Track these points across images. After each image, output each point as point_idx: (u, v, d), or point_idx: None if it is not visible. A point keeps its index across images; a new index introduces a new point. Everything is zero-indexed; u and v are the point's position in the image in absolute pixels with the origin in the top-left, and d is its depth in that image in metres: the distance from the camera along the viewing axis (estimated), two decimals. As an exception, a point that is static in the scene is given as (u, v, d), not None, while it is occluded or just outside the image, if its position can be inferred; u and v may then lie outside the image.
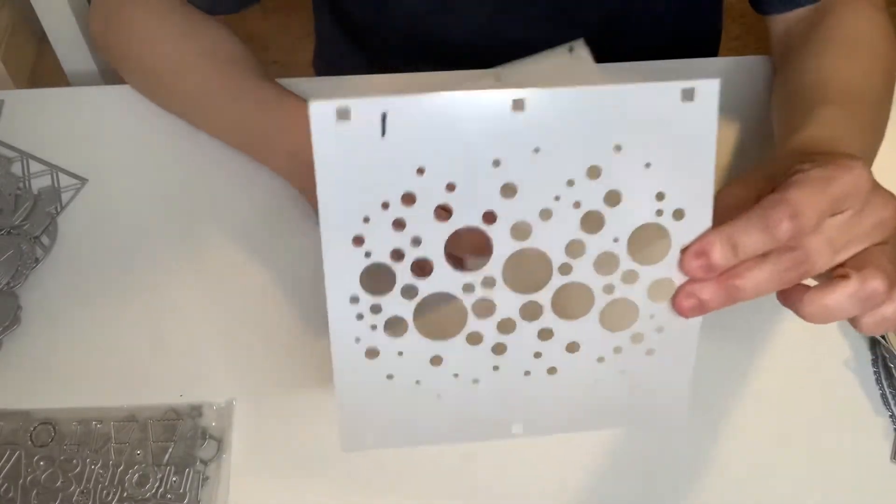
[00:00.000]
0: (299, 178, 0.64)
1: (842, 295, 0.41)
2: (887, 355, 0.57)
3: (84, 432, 0.57)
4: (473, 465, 0.56)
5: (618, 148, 0.39)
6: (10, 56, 1.74)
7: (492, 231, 0.40)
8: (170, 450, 0.56)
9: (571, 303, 0.42)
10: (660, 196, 0.40)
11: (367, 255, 0.40)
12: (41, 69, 1.80)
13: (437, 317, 0.43)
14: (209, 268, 0.65)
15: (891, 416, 0.56)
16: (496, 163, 0.38)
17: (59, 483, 0.55)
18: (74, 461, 0.56)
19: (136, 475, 0.55)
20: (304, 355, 0.60)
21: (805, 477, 0.55)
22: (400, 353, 0.43)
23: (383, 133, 0.37)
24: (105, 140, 0.72)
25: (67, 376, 0.60)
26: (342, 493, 0.55)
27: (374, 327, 0.42)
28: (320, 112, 0.36)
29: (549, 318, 0.42)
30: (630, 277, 0.42)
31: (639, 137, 0.39)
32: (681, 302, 0.41)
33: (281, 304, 0.62)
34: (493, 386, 0.44)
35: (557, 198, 0.39)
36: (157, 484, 0.55)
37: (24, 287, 0.64)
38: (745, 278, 0.41)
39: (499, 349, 0.43)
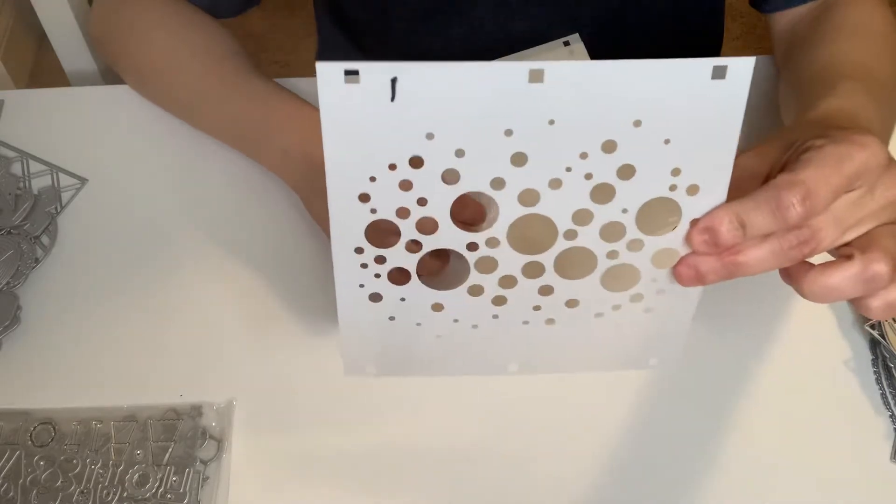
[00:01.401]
0: (292, 175, 0.64)
1: (844, 276, 0.41)
2: (887, 355, 0.57)
3: (84, 432, 0.57)
4: (473, 465, 0.56)
5: (637, 123, 0.38)
6: (10, 56, 1.74)
7: (499, 196, 0.40)
8: (170, 450, 0.56)
9: (575, 266, 0.43)
10: (675, 171, 0.39)
11: (373, 211, 0.40)
12: (41, 69, 1.80)
13: (441, 276, 0.44)
14: (209, 268, 0.64)
15: (891, 416, 0.56)
16: (508, 132, 0.38)
17: (59, 483, 0.55)
18: (74, 461, 0.56)
19: (136, 475, 0.55)
20: (304, 355, 0.60)
21: (805, 477, 0.55)
22: (402, 299, 0.43)
23: (393, 97, 0.36)
24: (105, 140, 0.72)
25: (67, 376, 0.60)
26: (342, 493, 0.55)
27: (377, 276, 0.42)
28: (328, 72, 0.36)
29: (550, 277, 0.43)
30: (635, 245, 0.41)
31: (661, 113, 0.38)
32: (681, 270, 0.41)
33: (281, 305, 0.62)
34: (491, 331, 0.45)
35: (569, 169, 0.39)
36: (157, 484, 0.55)
37: (24, 287, 0.64)
38: (748, 255, 0.40)
39: (499, 301, 0.44)
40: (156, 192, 0.69)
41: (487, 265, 0.42)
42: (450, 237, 0.41)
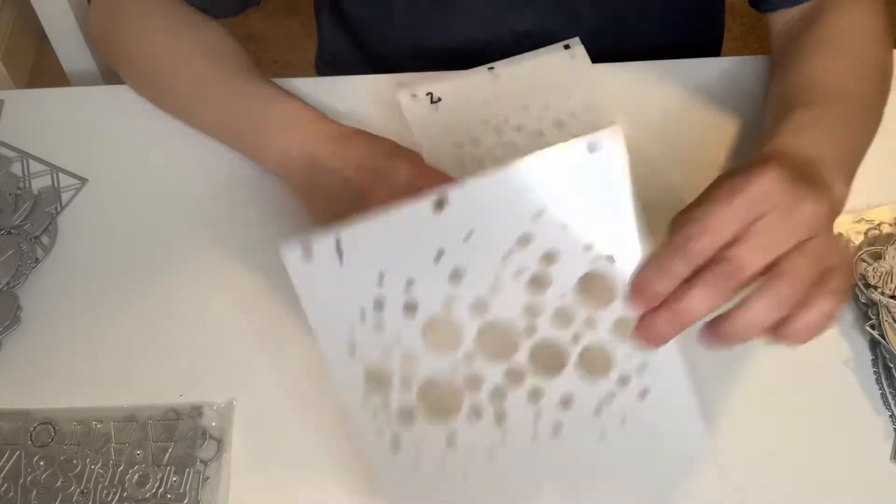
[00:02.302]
0: (292, 174, 0.64)
1: (756, 307, 0.42)
2: (887, 355, 0.57)
3: (84, 432, 0.57)
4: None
5: (539, 213, 0.42)
6: (10, 56, 1.74)
7: (453, 313, 0.44)
8: (170, 450, 0.56)
9: (550, 360, 0.45)
10: (587, 248, 0.43)
11: (362, 360, 0.45)
12: (41, 69, 1.80)
13: (438, 392, 0.46)
14: (209, 267, 0.64)
15: (891, 416, 0.56)
16: (439, 253, 0.43)
17: (59, 483, 0.55)
18: (74, 461, 0.56)
19: (136, 475, 0.55)
20: (303, 355, 0.60)
21: (805, 477, 0.54)
22: (418, 444, 0.47)
23: (340, 260, 0.43)
24: (105, 140, 0.72)
25: (67, 376, 0.60)
26: (342, 493, 0.55)
27: (388, 418, 0.46)
28: (289, 255, 0.43)
29: (532, 380, 0.45)
30: (591, 323, 0.44)
31: (556, 198, 0.42)
32: (638, 336, 0.43)
33: (281, 304, 0.62)
34: (508, 459, 0.47)
35: (499, 272, 0.43)
36: (157, 484, 0.55)
37: (24, 287, 0.64)
38: (685, 300, 0.42)
39: (500, 419, 0.46)
40: (156, 192, 0.69)
41: (475, 381, 0.46)
42: (434, 364, 0.45)
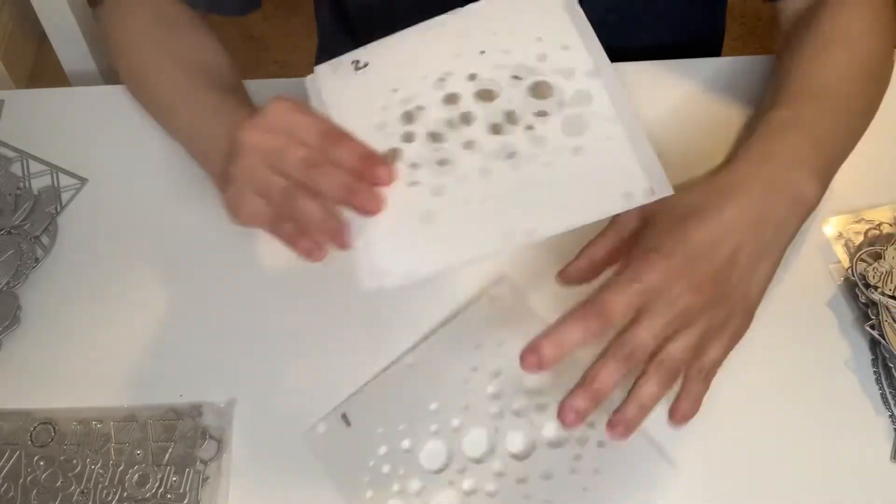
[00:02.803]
0: (214, 158, 0.59)
1: (642, 394, 0.48)
2: (887, 355, 0.57)
3: (84, 432, 0.57)
4: (470, 464, 0.55)
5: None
6: (10, 56, 1.73)
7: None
8: (170, 450, 0.56)
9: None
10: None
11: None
12: (41, 69, 1.80)
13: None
14: (209, 268, 0.64)
15: (891, 416, 0.56)
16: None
17: (59, 483, 0.55)
18: (74, 461, 0.56)
19: (136, 475, 0.55)
20: (303, 355, 0.60)
21: (805, 477, 0.54)
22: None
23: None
24: (105, 140, 0.72)
25: (67, 376, 0.60)
26: (342, 493, 0.55)
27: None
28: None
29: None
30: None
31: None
32: (564, 417, 0.46)
33: (281, 305, 0.62)
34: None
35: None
36: (157, 484, 0.55)
37: (24, 287, 0.64)
38: (598, 379, 0.46)
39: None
40: (156, 192, 0.69)
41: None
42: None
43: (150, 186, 0.69)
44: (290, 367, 0.60)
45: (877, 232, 0.62)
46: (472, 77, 0.54)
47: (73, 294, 0.64)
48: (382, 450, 0.55)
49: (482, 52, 0.55)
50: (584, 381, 0.47)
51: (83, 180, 0.70)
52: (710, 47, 0.87)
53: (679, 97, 0.71)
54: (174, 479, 0.55)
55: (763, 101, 0.63)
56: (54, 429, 0.57)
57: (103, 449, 0.56)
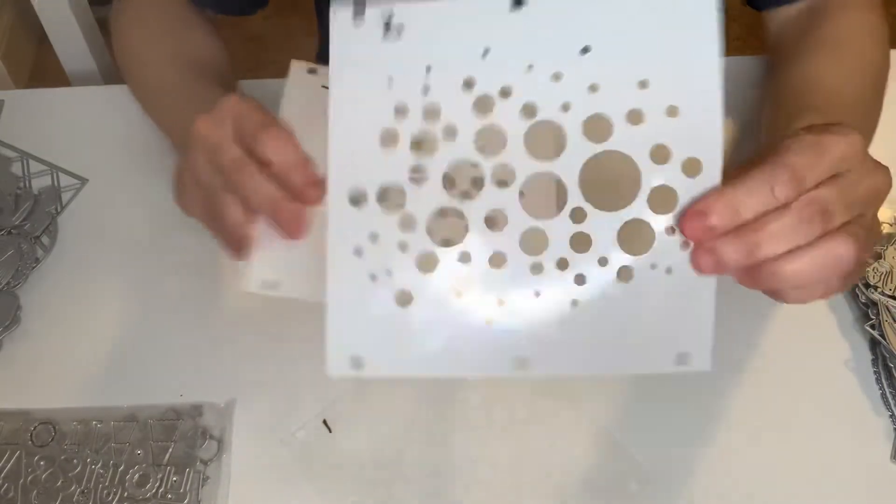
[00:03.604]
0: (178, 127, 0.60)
1: (812, 256, 0.40)
2: (887, 355, 0.57)
3: (84, 432, 0.57)
4: (471, 464, 0.55)
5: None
6: (10, 56, 1.73)
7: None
8: (170, 450, 0.56)
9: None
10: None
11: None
12: (41, 69, 1.80)
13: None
14: (209, 268, 0.64)
15: (891, 416, 0.56)
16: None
17: (59, 483, 0.55)
18: (74, 461, 0.56)
19: (136, 475, 0.55)
20: (303, 356, 0.60)
21: (805, 477, 0.55)
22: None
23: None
24: (105, 140, 0.72)
25: (67, 376, 0.60)
26: (342, 493, 0.55)
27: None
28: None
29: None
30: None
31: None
32: (699, 258, 0.40)
33: (281, 305, 0.62)
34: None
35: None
36: (157, 484, 0.55)
37: (24, 287, 0.64)
38: (765, 231, 0.40)
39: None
40: (156, 192, 0.69)
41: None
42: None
43: (150, 186, 0.69)
44: (290, 367, 0.60)
45: (877, 232, 0.63)
46: (531, 112, 0.40)
47: (73, 294, 0.64)
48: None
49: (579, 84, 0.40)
50: (748, 231, 0.39)
51: (83, 180, 0.70)
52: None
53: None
54: (174, 479, 0.55)
55: (773, 110, 0.63)
56: (54, 429, 0.57)
57: (103, 449, 0.56)
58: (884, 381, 0.57)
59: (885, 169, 0.44)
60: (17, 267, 0.64)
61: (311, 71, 0.50)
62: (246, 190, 0.44)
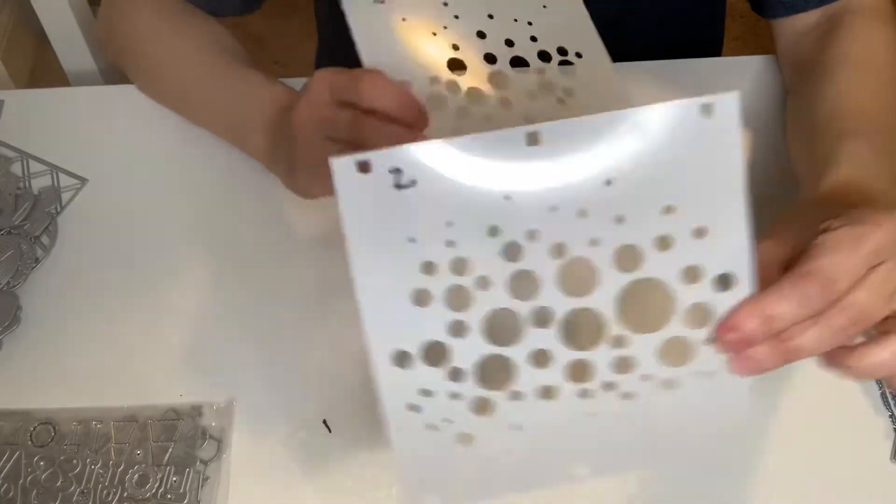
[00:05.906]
0: (274, 154, 0.62)
1: (891, 351, 0.42)
2: (887, 355, 0.57)
3: (84, 432, 0.57)
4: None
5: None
6: (10, 56, 1.74)
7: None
8: (170, 450, 0.56)
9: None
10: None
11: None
12: (41, 69, 1.80)
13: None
14: (209, 268, 0.64)
15: (891, 416, 0.56)
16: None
17: (59, 483, 0.55)
18: (74, 461, 0.56)
19: (136, 475, 0.55)
20: (303, 355, 0.60)
21: (805, 477, 0.54)
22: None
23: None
24: (105, 140, 0.72)
25: (67, 376, 0.60)
26: (342, 493, 0.55)
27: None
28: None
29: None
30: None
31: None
32: (737, 364, 0.41)
33: (281, 305, 0.62)
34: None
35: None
36: (157, 484, 0.55)
37: (24, 287, 0.64)
38: (802, 339, 0.40)
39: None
40: (156, 192, 0.69)
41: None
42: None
43: (150, 186, 0.69)
44: (290, 368, 0.60)
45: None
46: (559, 252, 0.39)
47: (73, 294, 0.64)
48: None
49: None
50: (785, 335, 0.40)
51: (83, 180, 0.70)
52: (709, 47, 0.87)
53: (679, 97, 0.71)
54: (174, 479, 0.55)
55: (806, 136, 0.61)
56: (54, 429, 0.57)
57: (103, 449, 0.56)
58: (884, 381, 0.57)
59: None
60: (17, 267, 0.64)
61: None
62: (372, 142, 0.48)
